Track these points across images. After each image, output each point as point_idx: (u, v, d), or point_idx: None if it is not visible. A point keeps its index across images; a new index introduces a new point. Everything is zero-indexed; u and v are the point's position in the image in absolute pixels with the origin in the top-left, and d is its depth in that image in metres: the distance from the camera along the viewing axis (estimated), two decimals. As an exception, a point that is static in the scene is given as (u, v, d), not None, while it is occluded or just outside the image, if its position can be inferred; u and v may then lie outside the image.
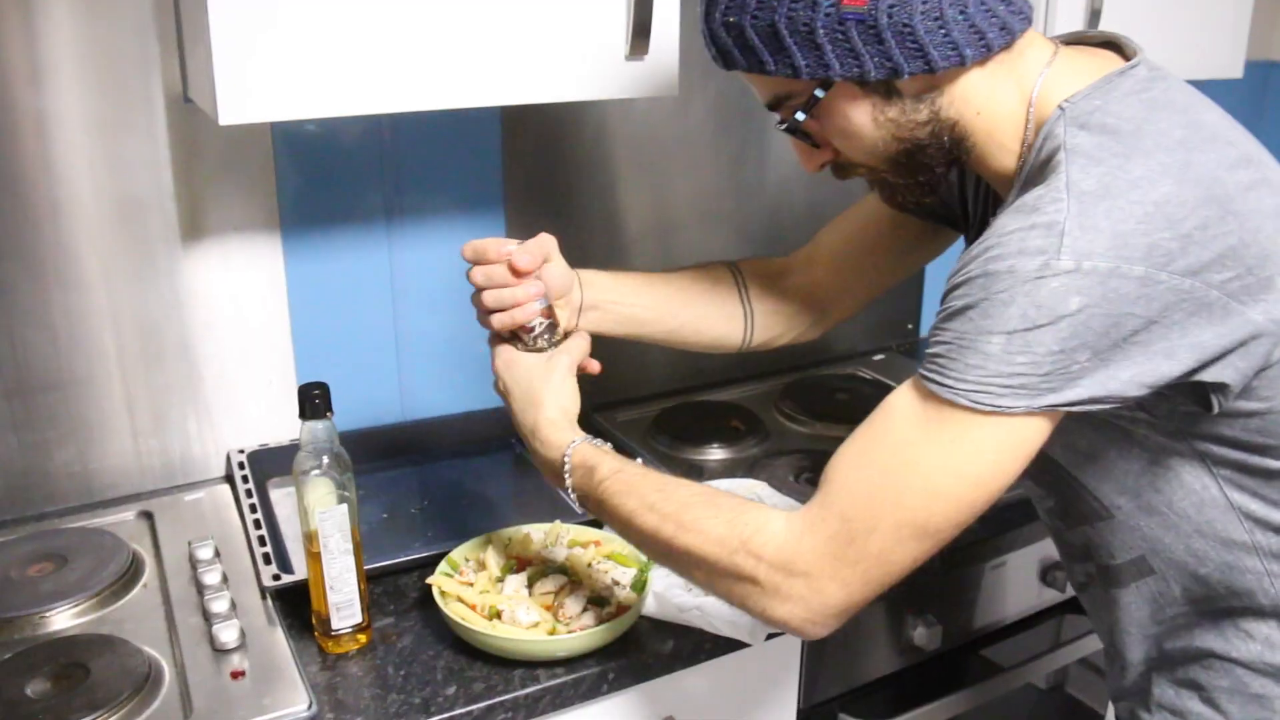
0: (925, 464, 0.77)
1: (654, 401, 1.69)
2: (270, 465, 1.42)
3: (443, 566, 1.12)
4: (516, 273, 0.99)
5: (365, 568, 1.13)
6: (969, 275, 0.75)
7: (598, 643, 1.03)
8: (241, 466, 1.40)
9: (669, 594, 1.09)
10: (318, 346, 1.47)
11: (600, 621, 1.04)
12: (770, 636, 1.10)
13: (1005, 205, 0.81)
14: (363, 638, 1.07)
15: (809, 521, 0.81)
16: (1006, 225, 0.75)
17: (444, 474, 1.48)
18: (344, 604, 1.05)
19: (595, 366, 1.05)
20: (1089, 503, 0.92)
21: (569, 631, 1.02)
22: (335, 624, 1.05)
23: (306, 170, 1.41)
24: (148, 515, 1.33)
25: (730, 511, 0.85)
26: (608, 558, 1.13)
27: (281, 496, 1.38)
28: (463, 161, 1.52)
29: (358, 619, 1.06)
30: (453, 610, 1.04)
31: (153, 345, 1.36)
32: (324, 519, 1.01)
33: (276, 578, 1.13)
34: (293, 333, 1.45)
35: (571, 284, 1.07)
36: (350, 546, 1.03)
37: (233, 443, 1.45)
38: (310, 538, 1.02)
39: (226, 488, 1.40)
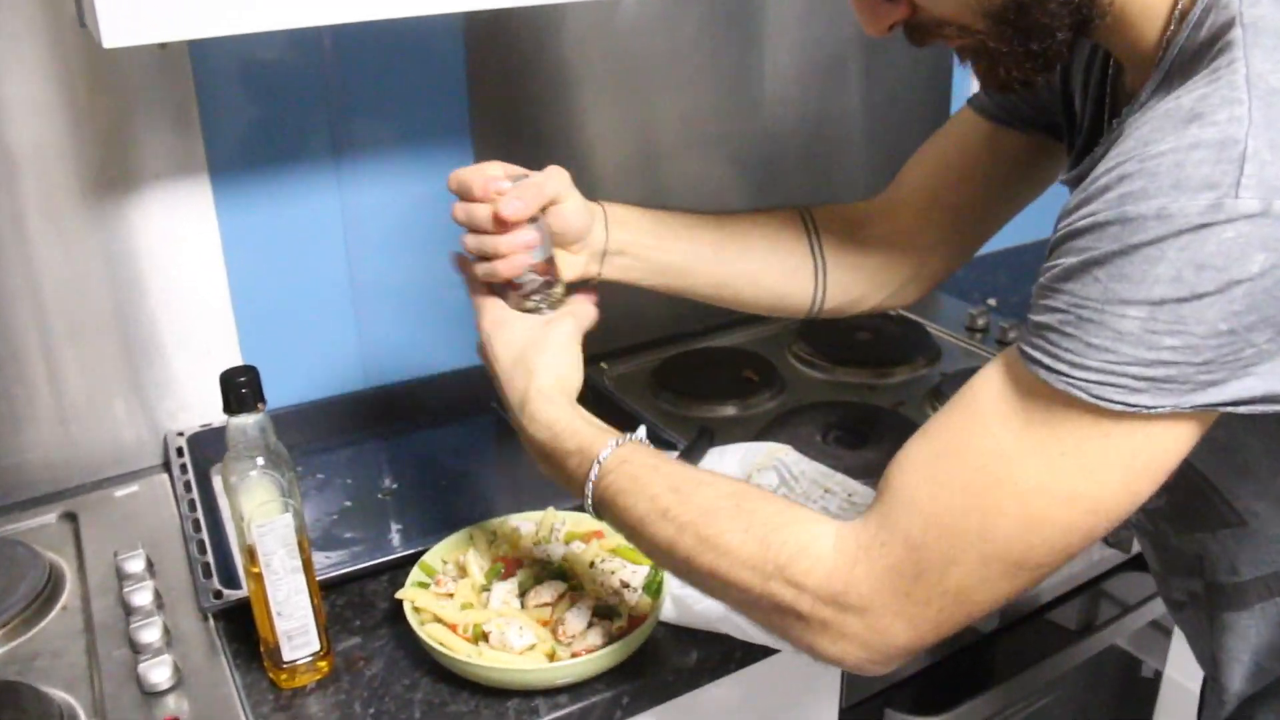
0: (1024, 482, 0.57)
1: (651, 351, 1.50)
2: (214, 449, 1.22)
3: (416, 574, 0.93)
4: (503, 223, 0.80)
5: (323, 578, 0.95)
6: (1094, 218, 0.53)
7: (606, 665, 0.85)
8: (180, 453, 1.20)
9: (692, 599, 0.91)
10: (262, 308, 1.27)
11: (609, 639, 0.85)
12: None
13: (1136, 104, 0.60)
14: (324, 665, 0.89)
15: (865, 545, 0.62)
16: (1152, 141, 0.53)
17: (416, 448, 1.29)
18: (296, 631, 0.86)
19: (595, 312, 0.86)
20: (1216, 506, 0.72)
21: (572, 654, 0.84)
22: (287, 655, 0.87)
23: (236, 103, 1.20)
24: (71, 517, 1.14)
25: (763, 525, 0.66)
26: (613, 554, 0.94)
27: (228, 487, 1.19)
28: (421, 85, 1.30)
29: (314, 647, 0.88)
30: (430, 633, 0.85)
31: (69, 318, 1.16)
32: (263, 533, 0.82)
33: (217, 595, 0.95)
34: (231, 293, 1.25)
35: (591, 224, 0.87)
36: (298, 563, 0.84)
37: (169, 425, 1.25)
38: (249, 555, 0.84)
39: (165, 478, 1.21)
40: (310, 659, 0.88)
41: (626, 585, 0.91)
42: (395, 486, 1.20)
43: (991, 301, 1.65)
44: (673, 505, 0.69)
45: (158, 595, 0.98)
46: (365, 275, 1.33)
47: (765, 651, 0.92)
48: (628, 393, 1.38)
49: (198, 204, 1.21)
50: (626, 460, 0.73)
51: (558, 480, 0.78)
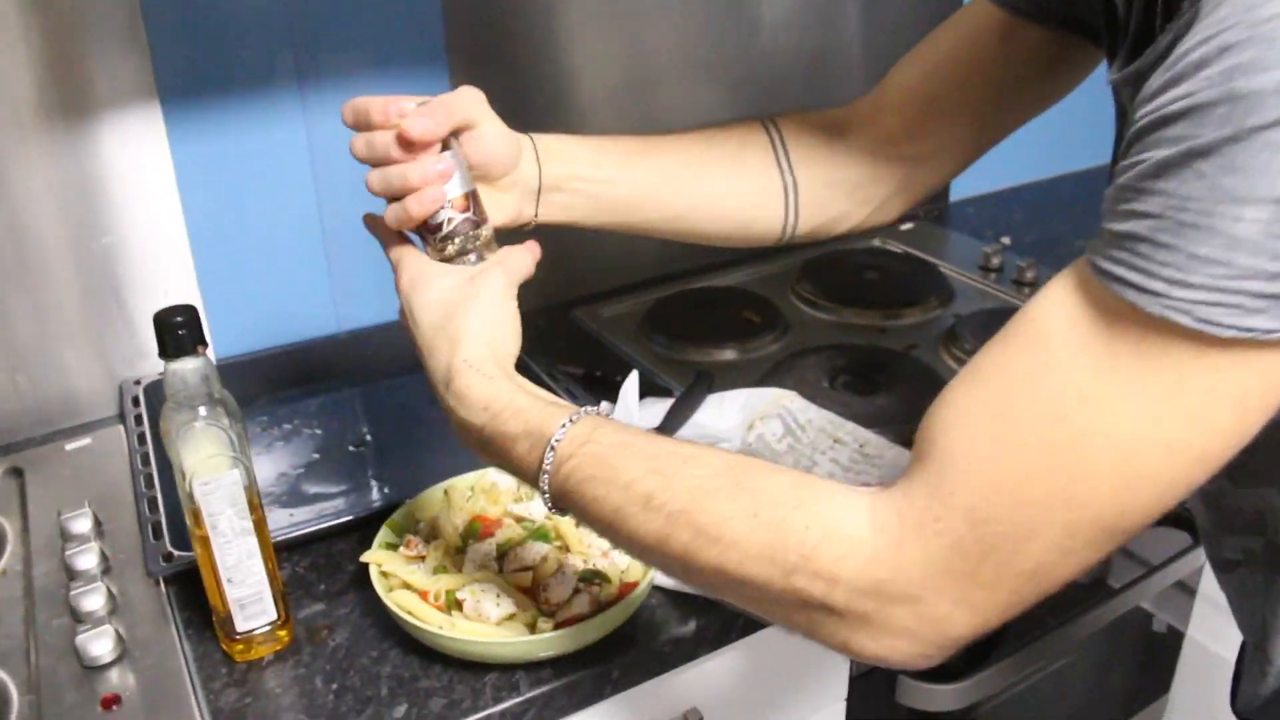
0: (1117, 432, 0.46)
1: (644, 291, 1.40)
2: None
3: (383, 534, 0.84)
4: (409, 145, 0.68)
5: (283, 538, 0.87)
6: (1192, 99, 0.43)
7: (594, 637, 0.76)
8: (136, 403, 1.11)
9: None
10: (224, 248, 1.18)
11: (597, 607, 0.77)
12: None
13: None
14: (283, 635, 0.81)
15: (914, 523, 0.51)
16: (1259, 5, 0.42)
17: (391, 397, 1.20)
18: (249, 599, 0.78)
19: (531, 262, 0.73)
20: None
21: (555, 625, 0.75)
22: (240, 625, 0.79)
23: (187, 23, 1.09)
24: (17, 473, 1.05)
25: (775, 506, 0.54)
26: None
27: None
28: (393, 6, 1.19)
29: (271, 616, 0.79)
30: (398, 601, 0.77)
31: (14, 257, 1.06)
32: (208, 492, 0.73)
33: (168, 558, 0.86)
34: (189, 231, 1.15)
35: (517, 156, 0.75)
36: (249, 524, 0.76)
37: (125, 373, 1.16)
38: (194, 517, 0.75)
39: (121, 430, 1.12)
40: (267, 629, 0.80)
41: (617, 546, 0.83)
42: (369, 438, 1.11)
43: (1005, 240, 1.55)
44: (656, 490, 0.57)
45: (104, 558, 0.89)
46: (336, 213, 1.24)
47: (769, 617, 0.84)
48: (619, 336, 1.29)
49: (150, 132, 1.10)
50: (588, 440, 0.60)
51: (506, 471, 0.66)
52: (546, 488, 0.61)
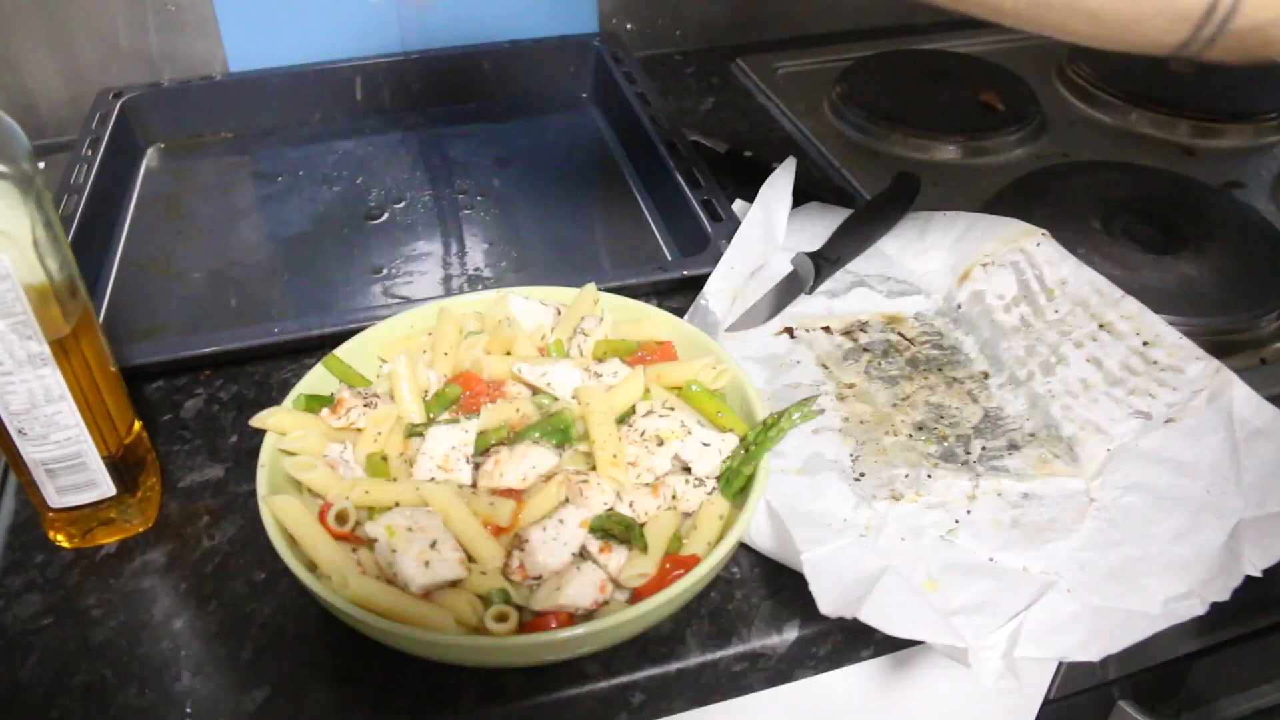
0: None
1: (841, 45, 0.99)
2: (162, 121, 0.84)
3: (310, 381, 0.51)
4: None
5: (147, 361, 0.56)
6: None
7: (591, 648, 0.42)
8: (104, 121, 0.80)
9: (803, 509, 0.46)
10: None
11: (604, 600, 0.42)
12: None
13: None
14: (135, 518, 0.51)
15: None
16: None
17: (451, 149, 0.84)
18: (60, 463, 0.47)
19: None
20: None
21: (519, 625, 0.41)
22: (54, 499, 0.48)
23: None
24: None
25: None
26: (680, 398, 0.50)
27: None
28: None
29: (102, 490, 0.49)
30: (280, 512, 0.44)
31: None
32: (-47, 285, 0.41)
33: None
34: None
35: None
36: (44, 348, 0.44)
37: (97, 76, 0.85)
38: (-48, 321, 0.43)
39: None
40: (109, 507, 0.49)
41: (688, 470, 0.47)
42: (398, 205, 0.77)
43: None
44: None
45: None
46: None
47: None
48: (793, 104, 0.89)
49: None
50: None
51: None
52: None
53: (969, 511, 0.51)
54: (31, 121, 0.85)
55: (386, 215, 0.76)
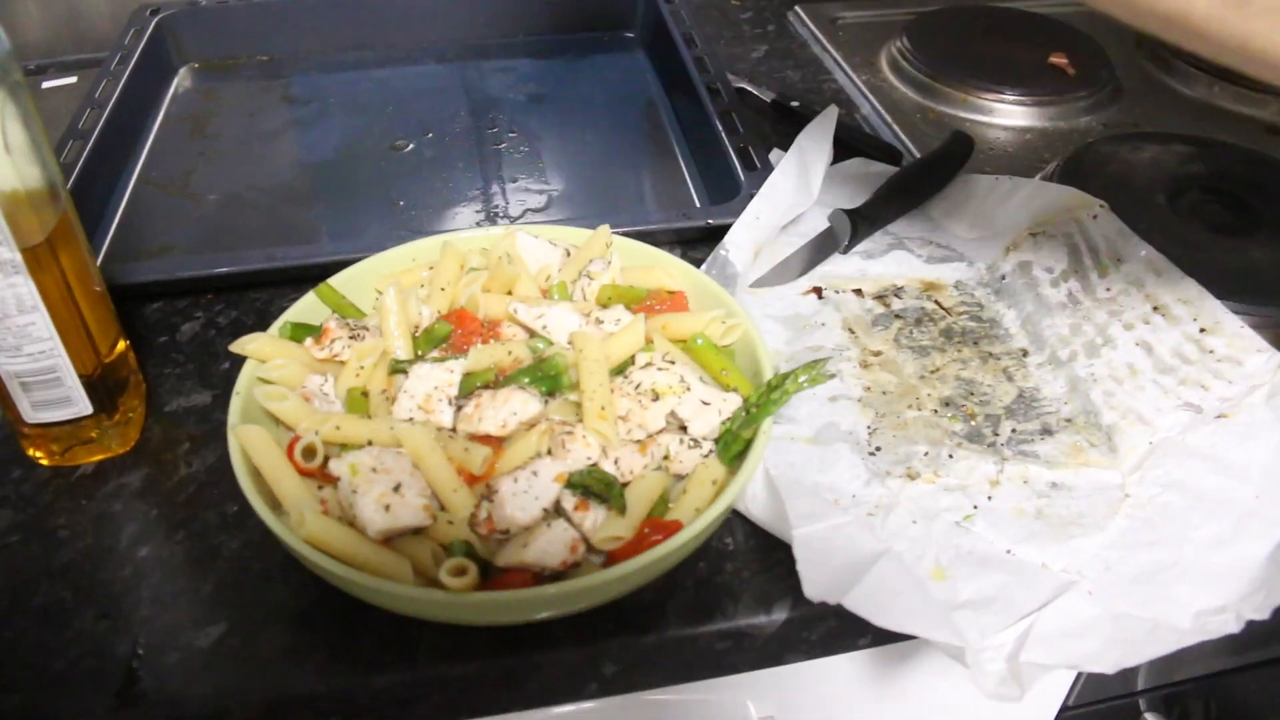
0: None
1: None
2: (200, 41, 0.82)
3: (299, 309, 0.49)
4: None
5: (144, 279, 0.54)
6: None
7: (594, 601, 0.40)
8: (139, 36, 0.78)
9: (807, 478, 0.43)
10: None
11: (574, 562, 0.39)
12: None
13: None
14: (114, 439, 0.49)
15: None
16: None
17: (498, 79, 0.81)
18: (35, 377, 0.45)
19: None
20: None
21: (481, 580, 0.39)
22: (29, 414, 0.47)
23: None
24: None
25: None
26: (685, 351, 0.47)
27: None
28: None
29: (78, 407, 0.47)
30: (249, 443, 0.42)
31: None
32: (-83, 181, 0.39)
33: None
34: None
35: None
36: (15, 256, 0.42)
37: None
38: (-78, 219, 0.41)
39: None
40: (90, 426, 0.47)
41: (684, 429, 0.44)
42: (427, 137, 0.74)
43: None
44: None
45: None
46: None
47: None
48: (849, 54, 0.84)
49: None
50: None
51: None
52: None
53: (990, 498, 0.47)
54: (69, 35, 0.84)
55: (413, 147, 0.73)
